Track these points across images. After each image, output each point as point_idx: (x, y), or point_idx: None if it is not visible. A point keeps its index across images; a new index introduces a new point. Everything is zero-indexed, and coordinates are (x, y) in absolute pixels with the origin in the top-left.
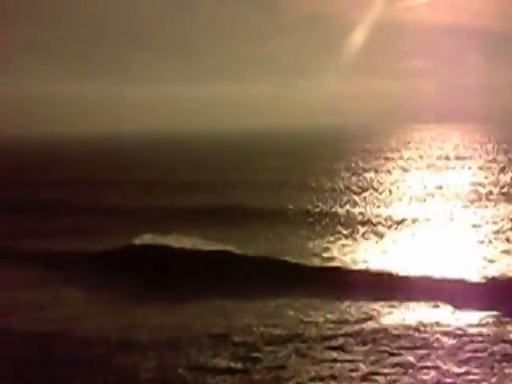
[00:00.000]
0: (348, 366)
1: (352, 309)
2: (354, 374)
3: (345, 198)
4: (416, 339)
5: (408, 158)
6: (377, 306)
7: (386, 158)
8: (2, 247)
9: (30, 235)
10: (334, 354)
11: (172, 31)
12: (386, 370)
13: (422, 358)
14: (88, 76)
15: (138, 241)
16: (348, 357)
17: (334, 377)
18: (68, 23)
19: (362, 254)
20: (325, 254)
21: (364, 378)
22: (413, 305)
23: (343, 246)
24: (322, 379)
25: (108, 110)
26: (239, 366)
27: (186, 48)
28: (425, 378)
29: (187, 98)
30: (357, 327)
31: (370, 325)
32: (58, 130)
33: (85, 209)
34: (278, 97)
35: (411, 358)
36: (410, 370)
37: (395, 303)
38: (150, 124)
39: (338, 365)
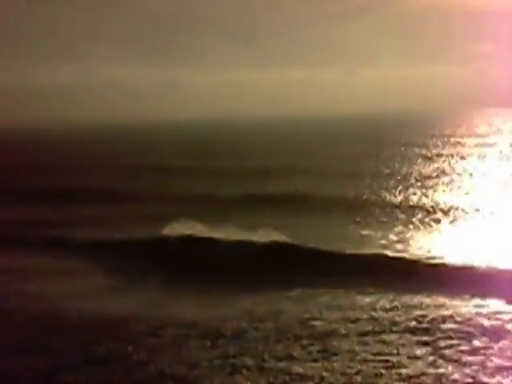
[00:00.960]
0: (416, 350)
1: (416, 298)
2: (423, 357)
3: (418, 185)
4: (480, 328)
5: (478, 144)
6: (442, 296)
7: (458, 144)
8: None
9: (92, 223)
10: (406, 339)
11: (237, 15)
12: (454, 356)
13: (487, 345)
14: (152, 62)
15: (175, 229)
16: (416, 339)
17: (409, 357)
18: (133, 9)
19: (427, 245)
20: (382, 242)
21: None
22: (479, 296)
23: (410, 236)
24: (392, 362)
25: (172, 96)
26: (310, 355)
27: (251, 32)
28: (492, 363)
29: (252, 84)
30: (423, 314)
31: (438, 312)
32: (122, 115)
33: (151, 197)
34: (343, 82)
35: (477, 344)
36: (477, 356)
37: (456, 294)
38: (216, 110)
39: (409, 348)
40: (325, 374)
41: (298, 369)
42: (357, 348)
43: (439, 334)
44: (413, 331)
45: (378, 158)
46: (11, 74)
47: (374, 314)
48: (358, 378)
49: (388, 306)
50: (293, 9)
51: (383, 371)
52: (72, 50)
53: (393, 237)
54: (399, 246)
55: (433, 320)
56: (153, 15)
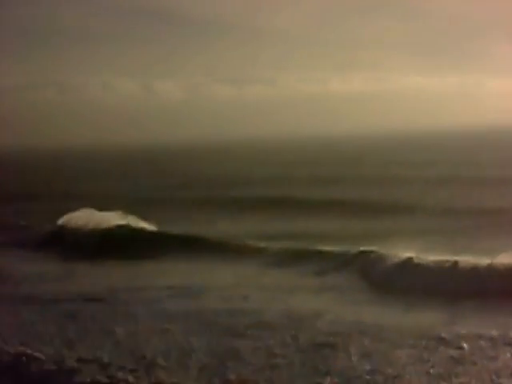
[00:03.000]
0: None
1: None
2: None
3: None
4: None
5: None
6: None
7: None
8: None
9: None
10: None
11: None
12: None
13: None
14: (443, 69)
15: None
16: None
17: None
18: (419, 16)
19: None
20: None
21: None
22: None
23: None
24: None
25: (468, 103)
26: None
27: None
28: None
29: None
30: None
31: None
32: (415, 123)
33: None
34: None
35: None
36: None
37: None
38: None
39: None
40: None
41: None
42: None
43: None
44: None
45: None
46: (310, 83)
47: None
48: None
49: None
50: None
51: None
52: (363, 59)
53: None
54: None
55: None
56: (440, 21)
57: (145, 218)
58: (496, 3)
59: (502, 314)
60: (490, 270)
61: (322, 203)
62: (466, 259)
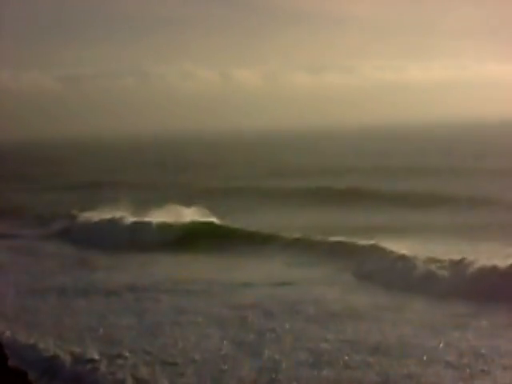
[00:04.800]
0: None
1: None
2: None
3: None
4: None
5: None
6: None
7: None
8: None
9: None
10: None
11: None
12: None
13: None
14: None
15: None
16: None
17: None
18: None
19: None
20: None
21: None
22: None
23: None
24: None
25: None
26: None
27: None
28: None
29: None
30: None
31: None
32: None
33: None
34: None
35: None
36: None
37: None
38: None
39: None
40: None
41: None
42: None
43: None
44: None
45: None
46: (388, 71)
47: None
48: None
49: None
50: None
51: None
52: (443, 47)
53: None
54: None
55: None
56: None
57: (213, 211)
58: None
59: None
60: None
61: (389, 195)
62: None
